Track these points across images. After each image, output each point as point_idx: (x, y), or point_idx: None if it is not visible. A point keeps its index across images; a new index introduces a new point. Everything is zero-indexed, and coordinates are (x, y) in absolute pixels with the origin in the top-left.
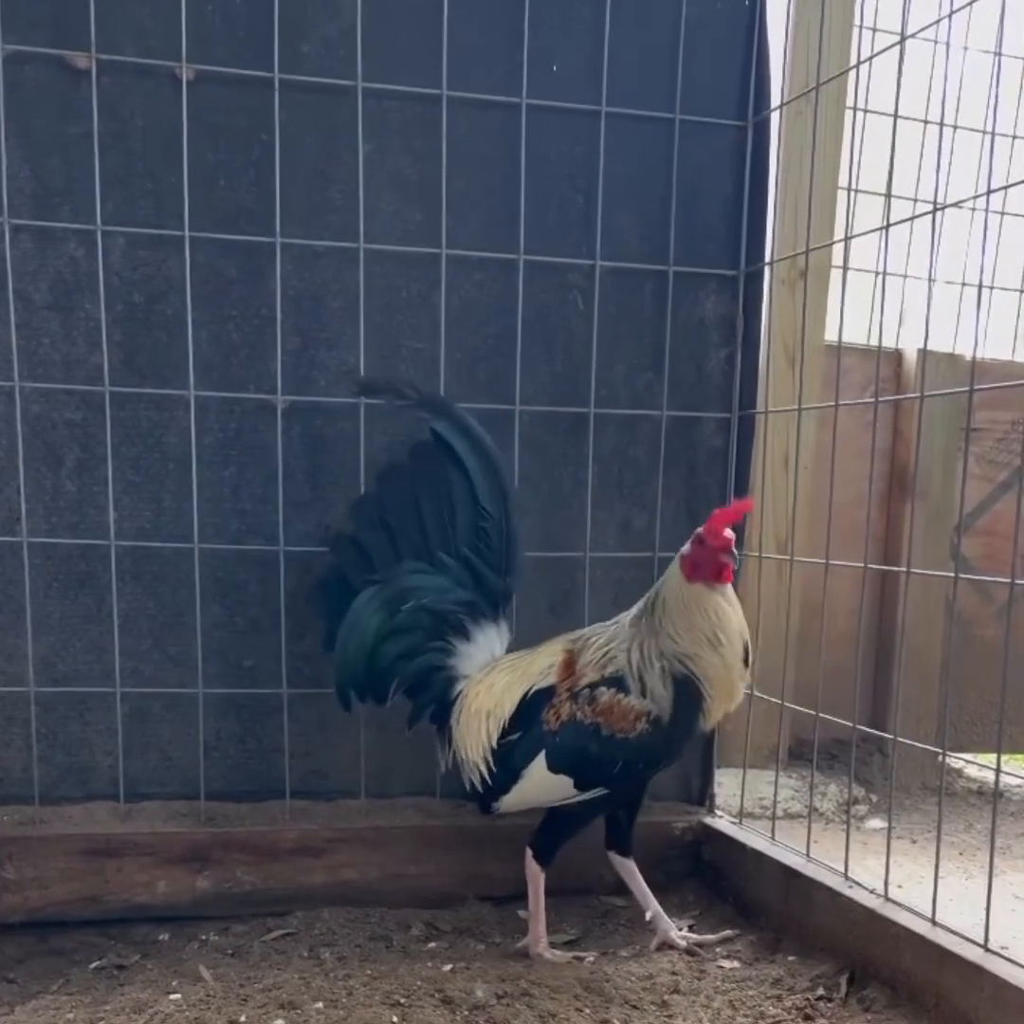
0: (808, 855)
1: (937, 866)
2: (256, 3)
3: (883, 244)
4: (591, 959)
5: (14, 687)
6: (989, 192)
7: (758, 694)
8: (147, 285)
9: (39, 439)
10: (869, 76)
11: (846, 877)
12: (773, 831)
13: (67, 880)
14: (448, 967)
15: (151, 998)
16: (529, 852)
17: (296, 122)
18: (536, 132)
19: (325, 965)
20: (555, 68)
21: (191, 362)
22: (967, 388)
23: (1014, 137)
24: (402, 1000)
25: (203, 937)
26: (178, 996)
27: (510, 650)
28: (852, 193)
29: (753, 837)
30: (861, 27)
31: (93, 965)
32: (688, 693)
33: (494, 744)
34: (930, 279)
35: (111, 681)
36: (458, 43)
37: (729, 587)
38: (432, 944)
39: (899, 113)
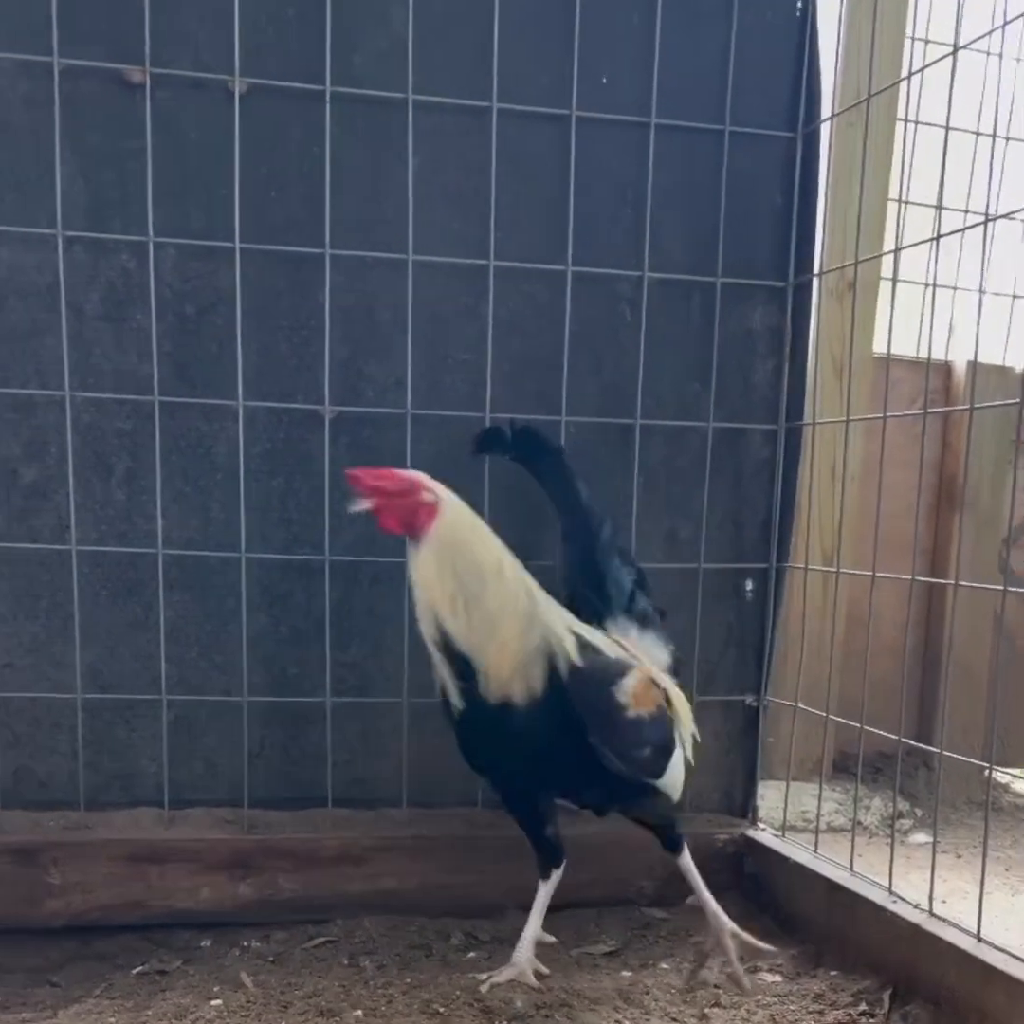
0: (851, 869)
1: (983, 881)
2: (308, 16)
3: (933, 256)
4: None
5: (61, 694)
6: None
7: (802, 706)
8: (198, 296)
9: (89, 448)
10: (921, 87)
11: (890, 891)
12: (816, 844)
13: (111, 885)
14: (488, 977)
15: (192, 1004)
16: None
17: (347, 134)
18: (585, 144)
19: (365, 973)
20: (605, 80)
21: (240, 372)
22: (1017, 400)
23: None
24: (441, 1009)
25: (244, 943)
26: (219, 1002)
27: None
28: (902, 204)
29: (796, 850)
30: (913, 38)
31: (135, 970)
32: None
33: None
34: (980, 291)
35: (157, 688)
36: (508, 55)
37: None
38: (472, 954)
39: (951, 124)
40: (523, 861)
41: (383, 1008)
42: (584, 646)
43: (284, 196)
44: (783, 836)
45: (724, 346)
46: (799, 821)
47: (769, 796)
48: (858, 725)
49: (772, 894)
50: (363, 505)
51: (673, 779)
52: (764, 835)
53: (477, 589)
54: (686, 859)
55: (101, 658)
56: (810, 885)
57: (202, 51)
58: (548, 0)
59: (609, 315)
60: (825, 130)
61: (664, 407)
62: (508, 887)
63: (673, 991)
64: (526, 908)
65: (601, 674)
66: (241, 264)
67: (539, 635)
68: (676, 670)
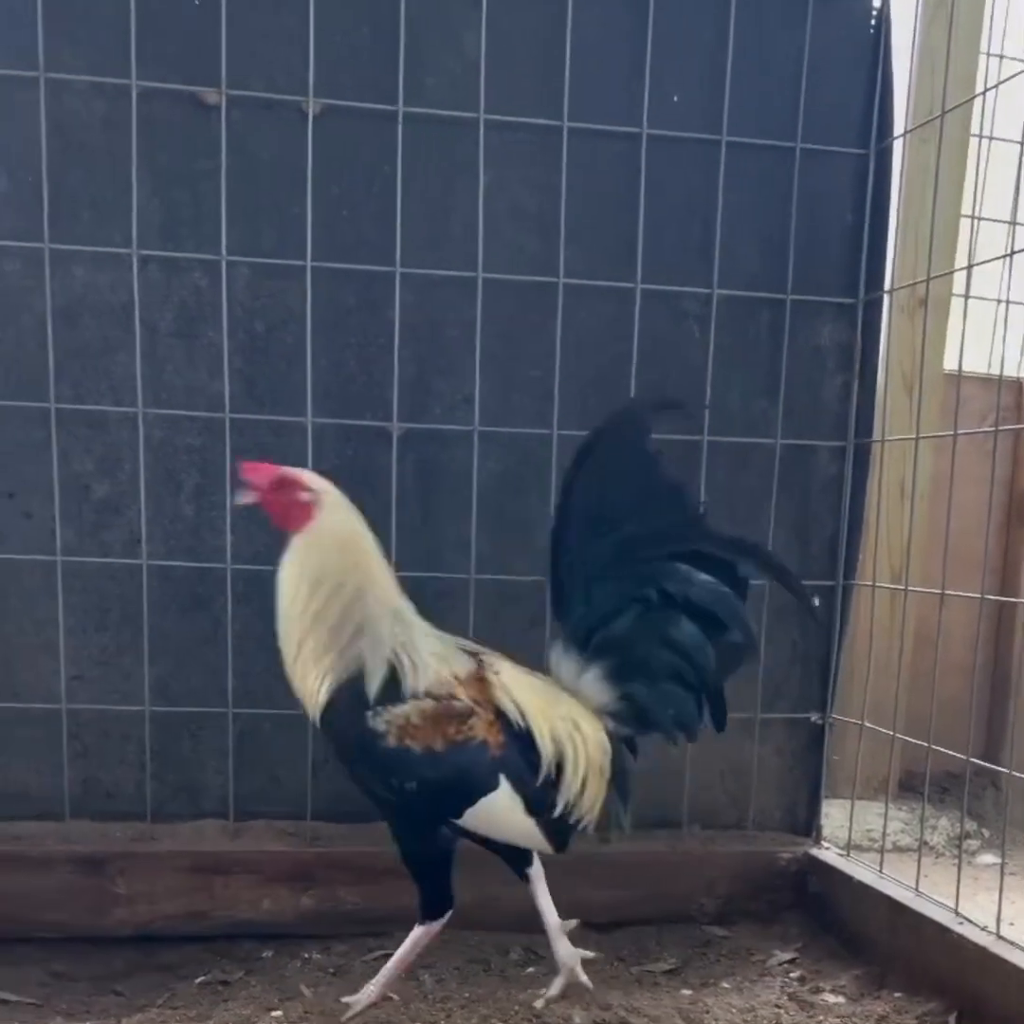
0: (917, 890)
1: None
2: (382, 37)
3: (1006, 272)
4: None
5: (130, 706)
6: None
7: (868, 725)
8: (268, 314)
9: (160, 464)
10: (995, 102)
11: (956, 913)
12: (881, 864)
13: (175, 896)
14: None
15: (253, 1014)
16: None
17: (418, 153)
18: (655, 161)
19: (424, 987)
20: (676, 98)
21: (309, 389)
22: None
23: None
24: None
25: (305, 955)
26: (279, 1013)
27: None
28: (975, 220)
29: (860, 870)
30: (988, 54)
31: (198, 980)
32: None
33: None
34: None
35: (223, 701)
36: (579, 74)
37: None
38: (530, 969)
39: None
40: (581, 876)
41: (442, 1022)
42: (406, 669)
43: (355, 215)
44: (848, 855)
45: (793, 363)
46: (864, 840)
47: (833, 815)
48: (925, 744)
49: (836, 914)
50: (247, 498)
51: (490, 823)
52: (828, 854)
53: (321, 599)
54: (536, 884)
55: (169, 671)
56: (875, 905)
57: (277, 73)
58: (619, 20)
59: (677, 332)
60: (897, 146)
61: (731, 424)
62: (567, 902)
63: (734, 1010)
64: (586, 924)
65: (357, 700)
66: (311, 282)
67: (352, 656)
68: (627, 715)
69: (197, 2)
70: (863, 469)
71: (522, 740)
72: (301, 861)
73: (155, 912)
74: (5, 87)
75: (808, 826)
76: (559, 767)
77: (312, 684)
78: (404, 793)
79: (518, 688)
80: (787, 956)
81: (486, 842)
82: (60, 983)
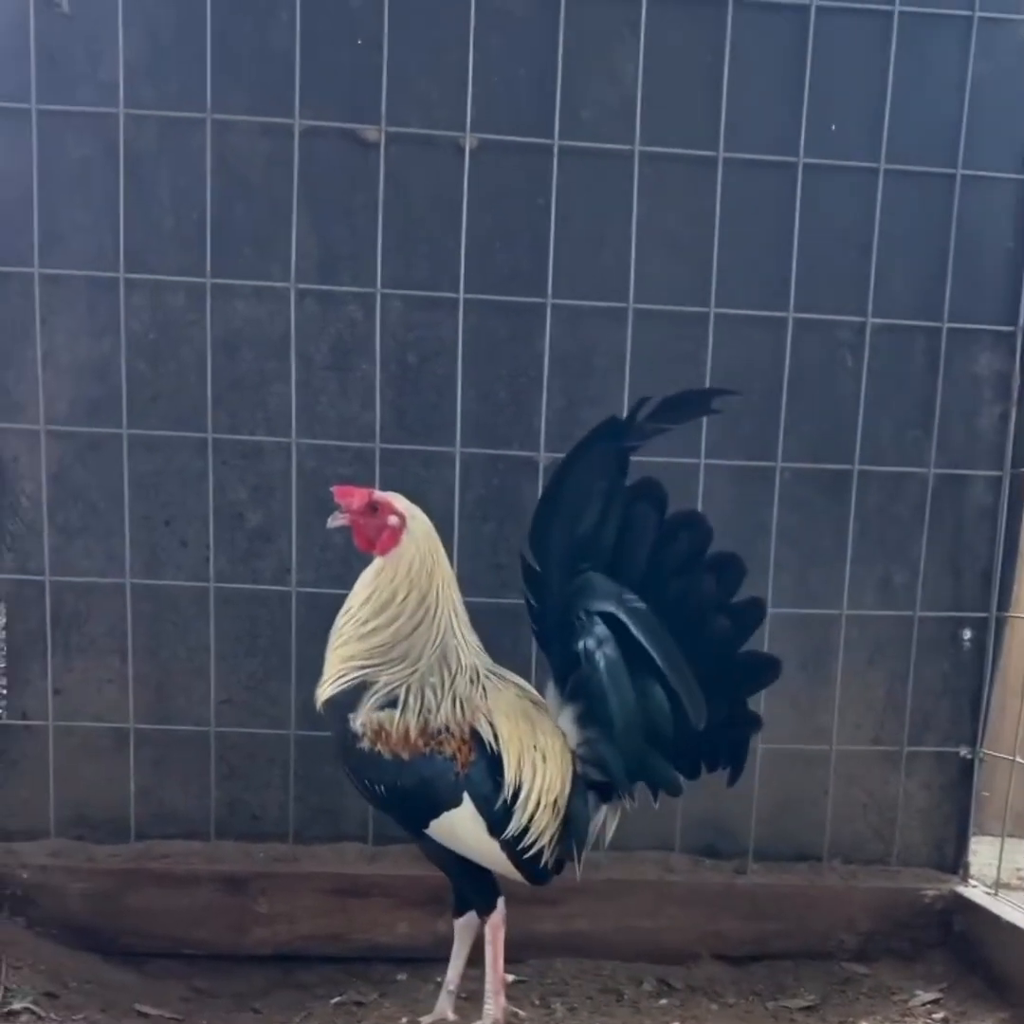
0: None
1: None
2: (540, 73)
3: None
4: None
5: (276, 730)
6: None
7: (1020, 760)
8: (421, 346)
9: (311, 493)
10: None
11: None
12: None
13: (314, 917)
14: None
15: None
16: None
17: (572, 186)
18: (810, 190)
19: (555, 1015)
20: (834, 127)
21: (459, 420)
22: None
23: None
24: None
25: (439, 979)
26: None
27: None
28: None
29: (1009, 909)
30: None
31: (334, 1000)
32: None
33: None
34: None
35: None
36: (735, 105)
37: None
38: (663, 1000)
39: None
40: (716, 907)
41: None
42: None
43: (509, 247)
44: (996, 894)
45: (948, 391)
46: (1014, 879)
47: (982, 852)
48: None
49: (982, 954)
50: (339, 521)
51: (453, 838)
52: (976, 892)
53: (380, 621)
54: (492, 933)
55: (315, 696)
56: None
57: (435, 109)
58: (777, 50)
59: (829, 361)
60: None
61: (883, 453)
62: (702, 934)
63: None
64: (720, 956)
65: (348, 699)
66: (463, 314)
67: (374, 669)
68: (590, 759)
69: (360, 42)
70: (1019, 499)
71: (493, 763)
72: (437, 886)
73: (294, 932)
74: (173, 128)
75: (955, 863)
76: (516, 794)
77: (326, 675)
78: (376, 795)
79: (501, 713)
80: (930, 996)
81: (449, 872)
82: (201, 999)
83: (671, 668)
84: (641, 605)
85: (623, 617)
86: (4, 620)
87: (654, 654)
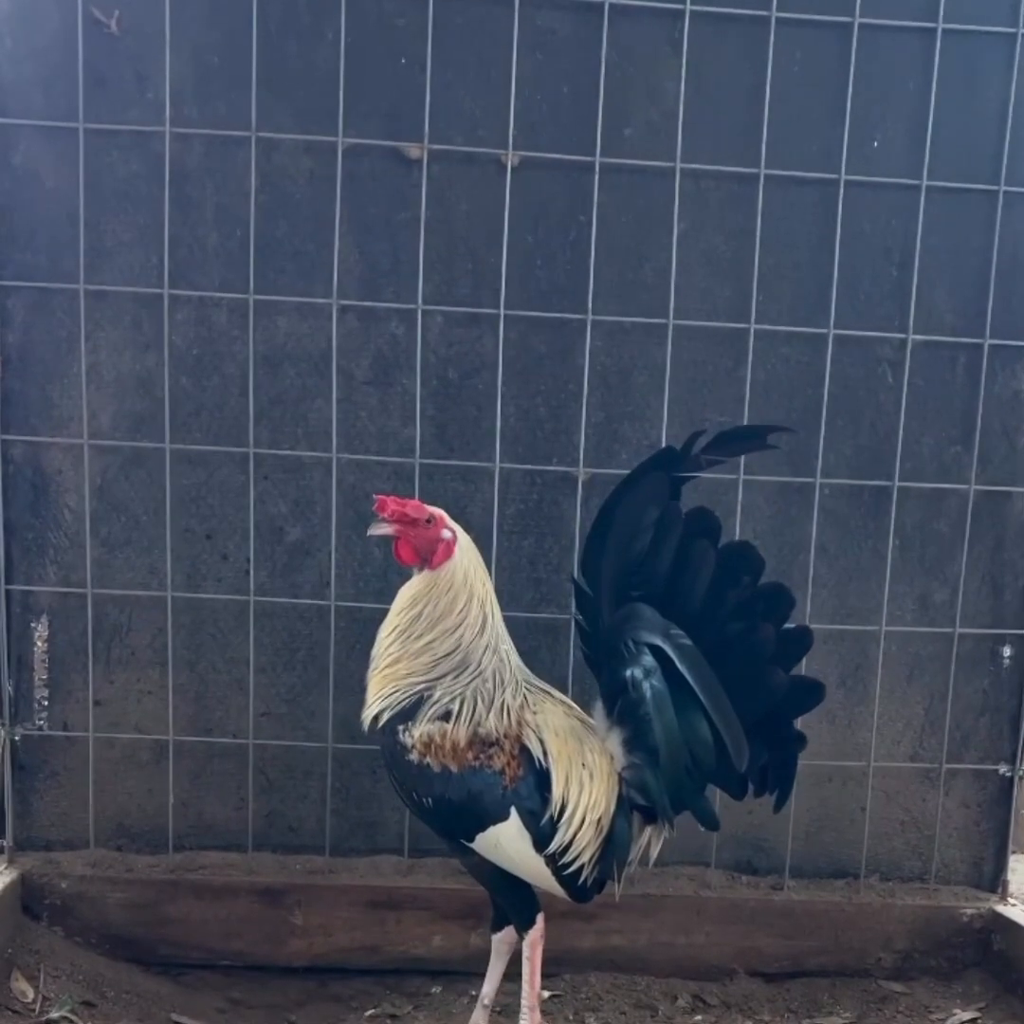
0: None
1: None
2: (582, 91)
3: None
4: None
5: (314, 743)
6: None
7: None
8: (461, 361)
9: (351, 508)
10: None
11: None
12: None
13: (350, 929)
14: None
15: None
16: None
17: (613, 203)
18: (852, 206)
19: None
20: (876, 144)
21: (498, 435)
22: None
23: None
24: None
25: (473, 992)
26: None
27: None
28: None
29: None
30: None
31: (368, 1013)
32: None
33: None
34: None
35: None
36: (777, 122)
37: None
38: (698, 1017)
39: None
40: (752, 924)
41: None
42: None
43: (550, 263)
44: None
45: (989, 408)
46: None
47: (1021, 870)
48: None
49: (1021, 974)
50: (383, 529)
51: (498, 852)
52: (1015, 911)
53: (430, 636)
54: (528, 944)
55: (352, 710)
56: None
57: (478, 127)
58: (819, 67)
59: (869, 377)
60: None
61: (923, 469)
62: (737, 950)
63: None
64: (756, 973)
65: (402, 712)
66: (504, 330)
67: (422, 686)
68: (634, 783)
69: (403, 61)
70: None
71: (542, 778)
72: (472, 900)
73: (330, 944)
74: (218, 147)
75: (994, 881)
76: (562, 810)
77: (373, 693)
78: (423, 807)
79: (550, 730)
80: (968, 1016)
81: (490, 887)
82: (237, 1010)
83: (716, 709)
84: (688, 642)
85: (670, 652)
86: (47, 632)
87: (700, 693)
